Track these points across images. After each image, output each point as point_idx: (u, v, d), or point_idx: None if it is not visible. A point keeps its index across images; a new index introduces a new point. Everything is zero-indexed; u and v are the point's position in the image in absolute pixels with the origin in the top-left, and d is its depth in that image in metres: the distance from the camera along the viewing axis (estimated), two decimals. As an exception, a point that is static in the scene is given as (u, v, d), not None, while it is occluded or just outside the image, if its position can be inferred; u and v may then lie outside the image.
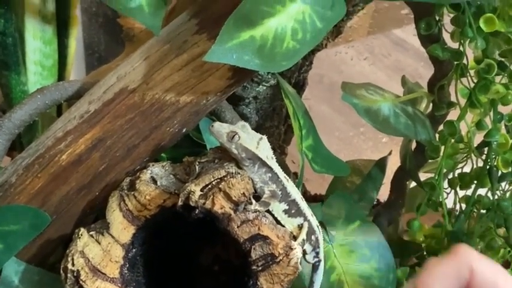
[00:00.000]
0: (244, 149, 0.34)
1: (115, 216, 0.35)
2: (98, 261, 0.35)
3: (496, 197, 0.43)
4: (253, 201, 0.35)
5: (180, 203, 0.33)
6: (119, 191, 0.36)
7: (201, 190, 0.33)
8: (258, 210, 0.34)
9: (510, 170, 0.42)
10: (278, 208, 0.36)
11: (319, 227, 0.38)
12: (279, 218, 0.36)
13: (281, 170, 0.36)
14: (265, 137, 0.36)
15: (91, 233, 0.35)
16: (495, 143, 0.42)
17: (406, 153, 0.49)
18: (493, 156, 0.42)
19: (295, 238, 0.36)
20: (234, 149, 0.34)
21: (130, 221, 0.35)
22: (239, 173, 0.34)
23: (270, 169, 0.35)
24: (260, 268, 0.34)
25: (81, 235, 0.35)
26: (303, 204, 0.36)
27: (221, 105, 0.42)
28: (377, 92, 0.45)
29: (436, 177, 0.45)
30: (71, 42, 0.54)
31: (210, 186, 0.33)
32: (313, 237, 0.37)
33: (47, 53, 0.51)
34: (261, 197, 0.35)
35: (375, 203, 0.51)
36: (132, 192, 0.35)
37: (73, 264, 0.34)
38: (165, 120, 0.37)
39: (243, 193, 0.33)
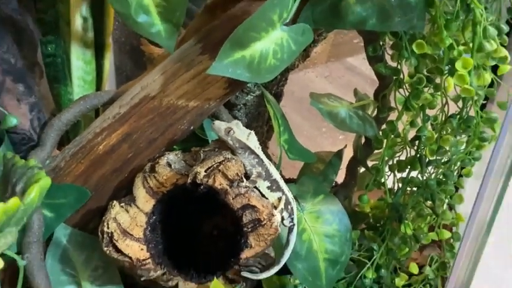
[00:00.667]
0: (238, 141, 0.33)
1: (139, 192, 0.34)
2: (127, 225, 0.33)
3: (425, 177, 0.43)
4: (244, 180, 0.34)
5: (189, 181, 0.32)
6: (143, 173, 0.35)
7: (205, 171, 0.32)
8: (248, 186, 0.33)
9: (435, 157, 0.41)
10: (263, 185, 0.34)
11: (293, 199, 0.37)
12: (263, 193, 0.34)
13: (265, 157, 0.35)
14: (253, 132, 0.35)
15: (121, 204, 0.34)
16: (424, 137, 0.41)
17: (358, 146, 0.47)
18: (422, 147, 0.41)
19: (275, 207, 0.34)
20: (229, 140, 0.33)
21: (151, 195, 0.34)
22: (233, 159, 0.33)
23: (257, 156, 0.34)
24: (250, 229, 0.33)
25: (114, 206, 0.34)
26: (282, 183, 0.35)
27: (219, 109, 0.40)
28: (336, 100, 0.43)
29: (380, 163, 0.43)
30: (105, 63, 0.51)
31: (211, 168, 0.32)
32: (289, 207, 0.35)
33: (87, 71, 0.49)
34: (250, 176, 0.34)
35: (334, 184, 0.49)
36: (153, 174, 0.34)
37: (108, 228, 0.33)
38: (177, 120, 0.36)
39: (237, 173, 0.32)
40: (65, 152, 0.37)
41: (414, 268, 0.45)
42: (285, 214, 0.35)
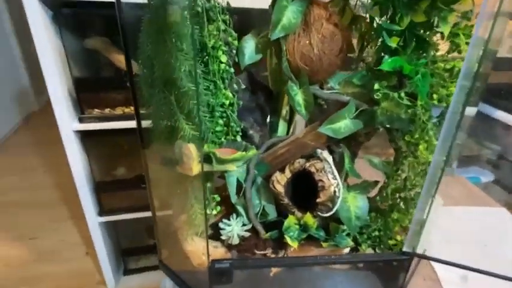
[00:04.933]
0: (323, 157, 0.84)
1: (287, 169, 0.88)
2: (279, 179, 0.87)
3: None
4: (325, 173, 0.84)
5: (303, 167, 0.84)
6: (289, 164, 0.88)
7: (309, 165, 0.84)
8: (324, 176, 0.83)
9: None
10: (329, 176, 0.83)
11: (342, 185, 0.83)
12: (329, 178, 0.83)
13: (332, 164, 0.84)
14: (331, 156, 0.85)
15: (279, 172, 0.88)
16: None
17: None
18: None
19: (332, 185, 0.82)
20: (321, 156, 0.84)
21: (290, 171, 0.87)
22: (319, 162, 0.84)
23: (330, 164, 0.83)
24: (320, 190, 0.83)
25: (277, 173, 0.88)
26: (337, 177, 0.83)
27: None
28: (372, 155, 0.90)
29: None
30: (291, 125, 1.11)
31: (311, 164, 0.83)
32: (338, 187, 0.82)
33: (282, 131, 1.09)
34: (326, 171, 0.84)
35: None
36: (292, 165, 0.87)
37: (273, 177, 0.87)
38: (306, 148, 0.87)
39: (320, 168, 0.83)
40: (267, 152, 0.94)
41: (399, 237, 0.84)
42: (336, 190, 0.83)
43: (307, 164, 0.82)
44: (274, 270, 0.86)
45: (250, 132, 0.91)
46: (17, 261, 1.92)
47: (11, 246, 2.00)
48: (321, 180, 0.81)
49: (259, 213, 0.91)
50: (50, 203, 2.27)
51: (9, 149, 2.93)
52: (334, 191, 0.81)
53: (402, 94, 0.74)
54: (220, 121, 0.77)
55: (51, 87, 1.25)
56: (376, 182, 0.91)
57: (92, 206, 1.53)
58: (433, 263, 0.99)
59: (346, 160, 0.87)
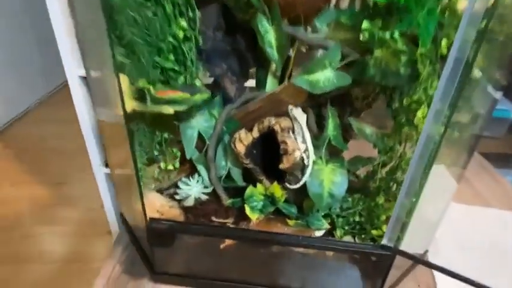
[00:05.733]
0: (293, 115, 0.67)
1: (255, 128, 0.72)
2: (243, 137, 0.72)
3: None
4: (291, 134, 0.67)
5: (267, 124, 0.68)
6: (258, 123, 0.72)
7: (275, 122, 0.67)
8: (290, 136, 0.67)
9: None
10: (298, 139, 0.66)
11: (312, 152, 0.65)
12: (298, 142, 0.66)
13: (305, 127, 0.67)
14: (305, 115, 0.68)
15: (246, 131, 0.72)
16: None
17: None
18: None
19: (298, 149, 0.65)
20: (291, 114, 0.67)
21: (259, 130, 0.71)
22: (286, 120, 0.67)
23: (300, 125, 0.66)
24: (282, 153, 0.66)
25: (242, 131, 0.73)
26: (309, 141, 0.66)
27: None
28: (367, 125, 0.70)
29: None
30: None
31: (277, 121, 0.67)
32: (307, 153, 0.65)
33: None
34: (294, 132, 0.67)
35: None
36: (261, 124, 0.71)
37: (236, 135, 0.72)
38: (282, 106, 0.69)
39: (286, 126, 0.66)
40: (240, 108, 0.79)
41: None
42: (304, 156, 0.66)
43: (273, 121, 0.66)
44: (227, 242, 0.72)
45: (224, 82, 0.76)
46: (41, 202, 1.99)
47: (38, 188, 2.07)
48: (284, 142, 0.65)
49: (224, 177, 0.78)
50: (82, 153, 2.33)
51: (56, 103, 3.07)
52: (302, 158, 0.64)
53: (396, 34, 0.54)
54: (171, 57, 0.63)
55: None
56: (370, 160, 0.73)
57: (98, 158, 1.50)
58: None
59: (331, 124, 0.69)
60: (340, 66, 0.65)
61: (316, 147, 0.69)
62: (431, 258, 0.70)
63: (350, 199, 0.72)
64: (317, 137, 0.71)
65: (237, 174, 0.78)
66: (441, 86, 0.46)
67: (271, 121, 0.67)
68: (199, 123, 0.75)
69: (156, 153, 0.77)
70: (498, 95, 0.50)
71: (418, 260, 0.65)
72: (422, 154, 0.53)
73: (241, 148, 0.70)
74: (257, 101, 0.74)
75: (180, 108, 0.61)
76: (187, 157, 0.73)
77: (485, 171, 1.13)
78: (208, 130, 0.76)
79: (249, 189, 0.73)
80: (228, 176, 0.78)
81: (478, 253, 0.84)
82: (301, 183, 0.67)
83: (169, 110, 0.59)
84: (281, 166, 0.67)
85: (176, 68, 0.66)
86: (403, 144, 0.65)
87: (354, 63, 0.65)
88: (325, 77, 0.64)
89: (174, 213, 0.78)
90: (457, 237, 0.86)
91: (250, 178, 0.77)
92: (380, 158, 0.68)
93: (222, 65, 0.76)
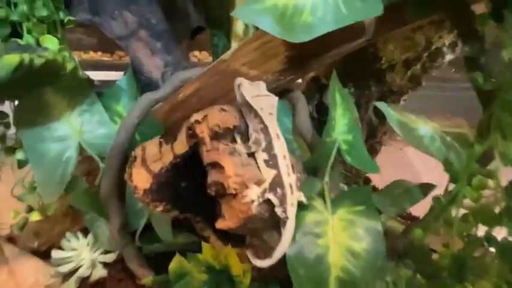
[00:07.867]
0: (241, 96, 0.29)
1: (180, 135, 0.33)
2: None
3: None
4: (238, 141, 0.29)
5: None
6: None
7: (202, 119, 0.30)
8: (231, 146, 0.29)
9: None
10: (260, 156, 0.29)
11: (294, 187, 0.28)
12: (260, 166, 0.29)
13: (277, 127, 0.29)
14: (276, 99, 0.29)
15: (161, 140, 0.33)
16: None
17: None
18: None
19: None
20: (238, 95, 0.29)
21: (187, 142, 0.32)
22: (226, 110, 0.28)
23: (262, 121, 0.28)
24: (214, 193, 0.29)
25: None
26: (283, 162, 0.28)
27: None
28: (423, 120, 0.31)
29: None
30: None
31: (203, 114, 0.30)
32: (279, 191, 0.28)
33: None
34: (249, 139, 0.29)
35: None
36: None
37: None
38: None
39: (217, 124, 0.28)
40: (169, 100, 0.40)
41: None
42: (273, 198, 0.28)
43: (196, 117, 0.28)
44: None
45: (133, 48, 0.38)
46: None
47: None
48: (215, 165, 0.27)
49: (140, 231, 0.40)
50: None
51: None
52: (270, 202, 0.26)
53: None
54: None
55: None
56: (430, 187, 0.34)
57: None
58: None
59: (340, 118, 0.34)
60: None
61: (309, 169, 0.31)
62: None
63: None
64: (311, 147, 0.33)
65: (163, 224, 0.39)
66: None
67: (192, 118, 0.29)
68: (78, 126, 0.37)
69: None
70: None
71: None
72: None
73: (141, 181, 0.31)
74: (194, 81, 0.36)
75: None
76: (47, 200, 0.35)
77: None
78: (102, 142, 0.38)
79: (176, 260, 0.34)
80: (150, 227, 0.40)
81: None
82: (275, 257, 0.28)
83: None
84: (219, 225, 0.28)
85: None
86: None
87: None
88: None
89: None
90: None
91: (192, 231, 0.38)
92: (461, 186, 0.28)
93: (132, 7, 0.38)
